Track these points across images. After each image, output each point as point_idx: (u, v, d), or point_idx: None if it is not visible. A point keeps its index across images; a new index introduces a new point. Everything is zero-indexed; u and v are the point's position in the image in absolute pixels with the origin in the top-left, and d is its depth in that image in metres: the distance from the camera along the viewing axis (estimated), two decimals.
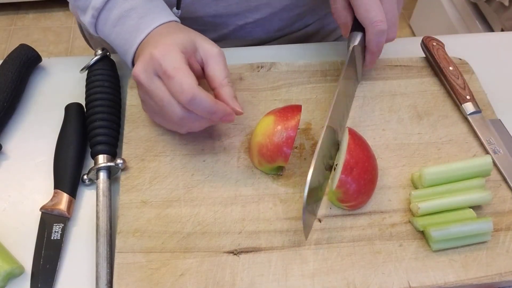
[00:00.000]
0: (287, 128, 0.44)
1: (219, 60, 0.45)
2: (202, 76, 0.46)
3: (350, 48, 0.49)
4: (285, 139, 0.44)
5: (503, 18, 1.39)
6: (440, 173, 0.45)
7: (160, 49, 0.42)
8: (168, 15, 0.48)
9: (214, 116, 0.42)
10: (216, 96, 0.44)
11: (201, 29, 0.49)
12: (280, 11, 0.61)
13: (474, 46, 0.62)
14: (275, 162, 0.45)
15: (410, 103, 0.54)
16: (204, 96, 0.40)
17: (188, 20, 0.54)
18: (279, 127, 0.45)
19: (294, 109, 0.46)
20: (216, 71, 0.44)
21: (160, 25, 0.47)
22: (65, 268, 0.43)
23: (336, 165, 0.45)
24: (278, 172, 0.47)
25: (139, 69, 0.43)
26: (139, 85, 0.44)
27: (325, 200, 0.46)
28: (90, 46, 0.77)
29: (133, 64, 0.49)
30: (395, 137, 0.51)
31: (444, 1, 1.67)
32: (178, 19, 0.49)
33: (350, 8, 0.49)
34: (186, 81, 0.40)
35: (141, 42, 0.47)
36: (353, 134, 0.45)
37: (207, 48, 0.45)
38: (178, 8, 0.55)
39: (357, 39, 0.49)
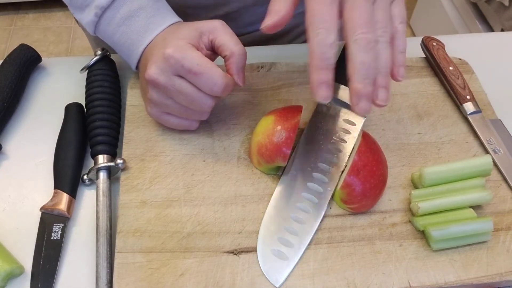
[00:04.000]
0: (287, 128, 0.44)
1: (224, 29, 0.44)
2: (212, 58, 0.46)
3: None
4: (285, 139, 0.44)
5: (503, 18, 1.39)
6: (440, 173, 0.45)
7: (174, 50, 0.41)
8: (174, 15, 0.48)
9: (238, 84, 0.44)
10: (226, 66, 0.45)
11: None
12: (251, 6, 0.61)
13: (474, 46, 0.62)
14: (274, 162, 0.45)
15: (410, 103, 0.54)
16: (231, 80, 0.43)
17: None
18: (278, 127, 0.44)
19: (295, 110, 0.46)
20: (225, 40, 0.44)
21: (168, 26, 0.46)
22: (65, 268, 0.43)
23: (346, 166, 0.45)
24: (277, 172, 0.47)
25: (155, 71, 0.42)
26: (156, 87, 0.43)
27: None
28: (92, 45, 0.77)
29: (137, 66, 0.48)
30: (395, 137, 0.51)
31: (444, 1, 1.67)
32: (181, 19, 0.48)
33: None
34: (215, 74, 0.41)
35: (150, 42, 0.46)
36: (367, 137, 0.45)
37: (209, 25, 0.44)
38: None
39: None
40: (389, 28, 0.37)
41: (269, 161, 0.45)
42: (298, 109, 0.46)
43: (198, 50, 0.43)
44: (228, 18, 0.61)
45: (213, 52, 0.46)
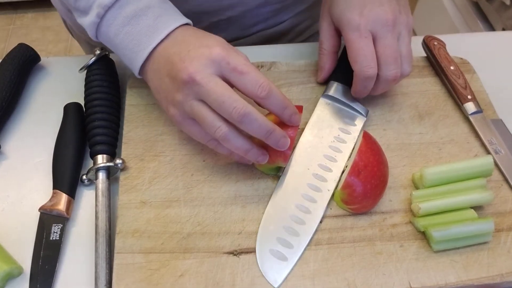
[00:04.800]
0: (287, 128, 0.44)
1: (249, 68, 0.43)
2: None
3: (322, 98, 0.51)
4: None
5: (504, 18, 1.39)
6: (441, 173, 0.45)
7: (220, 48, 0.40)
8: (182, 17, 0.46)
9: (286, 111, 0.42)
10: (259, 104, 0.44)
11: None
12: (254, 8, 0.61)
13: (475, 46, 0.62)
14: (274, 163, 0.45)
15: (411, 103, 0.54)
16: (278, 91, 0.41)
17: None
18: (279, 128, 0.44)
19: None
20: (238, 61, 0.43)
21: (178, 27, 0.44)
22: (64, 269, 0.43)
23: (346, 166, 0.45)
24: (277, 172, 0.47)
25: (194, 69, 0.39)
26: (191, 87, 0.40)
27: None
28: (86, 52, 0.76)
29: (141, 69, 0.45)
30: (396, 137, 0.51)
31: (445, 1, 1.67)
32: (190, 21, 0.46)
33: (334, 55, 0.52)
34: (261, 76, 0.40)
35: (159, 43, 0.43)
36: (367, 138, 0.44)
37: (236, 58, 0.43)
38: None
39: (331, 89, 0.51)
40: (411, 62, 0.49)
41: (269, 161, 0.45)
42: (298, 109, 0.46)
43: None
44: (230, 21, 0.61)
45: None
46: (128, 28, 0.44)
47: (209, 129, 0.40)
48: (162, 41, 0.43)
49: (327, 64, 0.52)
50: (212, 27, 0.62)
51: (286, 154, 0.44)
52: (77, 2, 0.46)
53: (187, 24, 0.45)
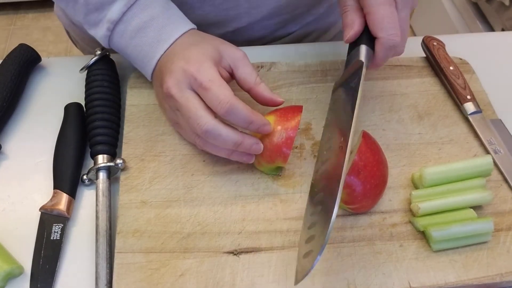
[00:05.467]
0: (287, 128, 0.44)
1: (246, 62, 0.46)
2: (229, 81, 0.46)
3: (357, 65, 0.44)
4: (285, 139, 0.44)
5: (503, 18, 1.39)
6: (441, 173, 0.45)
7: (192, 63, 0.42)
8: (186, 22, 0.48)
9: (252, 126, 0.42)
10: (253, 96, 0.46)
11: None
12: (260, 20, 0.60)
13: (474, 46, 0.62)
14: (274, 163, 0.45)
15: (410, 103, 0.54)
16: (241, 106, 0.41)
17: None
18: (279, 127, 0.44)
19: (295, 110, 0.46)
20: (247, 73, 0.45)
21: (181, 35, 0.47)
22: (64, 269, 0.43)
23: None
24: (277, 172, 0.47)
25: (171, 83, 0.43)
26: (169, 99, 0.44)
27: None
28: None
29: (151, 76, 0.49)
30: (396, 137, 0.51)
31: (444, 1, 1.67)
32: (194, 26, 0.48)
33: (361, 12, 0.45)
34: (223, 92, 0.41)
35: (163, 53, 0.46)
36: (367, 138, 0.44)
37: (232, 53, 0.45)
38: None
39: (363, 52, 0.44)
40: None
41: (269, 161, 0.45)
42: (298, 109, 0.46)
43: (219, 70, 0.44)
44: (236, 33, 0.61)
45: (230, 76, 0.47)
46: (135, 40, 0.47)
47: (187, 137, 0.47)
48: (166, 50, 0.46)
49: (356, 20, 0.45)
50: None
51: (285, 154, 0.44)
52: (87, 16, 0.48)
53: (191, 29, 0.47)
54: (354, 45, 0.46)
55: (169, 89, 0.43)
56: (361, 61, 0.44)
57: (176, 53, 0.45)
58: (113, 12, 0.46)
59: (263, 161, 0.45)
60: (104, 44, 0.49)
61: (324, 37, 0.69)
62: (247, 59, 0.46)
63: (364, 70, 0.43)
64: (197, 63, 0.43)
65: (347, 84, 0.45)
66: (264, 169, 0.47)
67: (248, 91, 0.46)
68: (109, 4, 0.46)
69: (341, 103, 0.45)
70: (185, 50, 0.45)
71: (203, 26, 0.57)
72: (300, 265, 0.36)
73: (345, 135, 0.40)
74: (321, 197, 0.39)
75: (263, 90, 0.45)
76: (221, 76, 0.44)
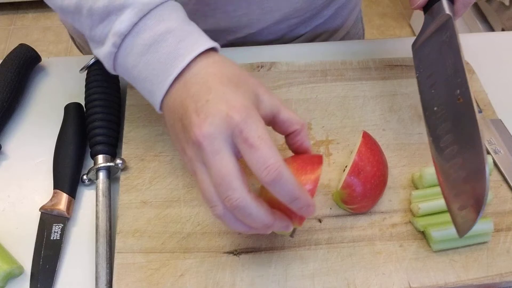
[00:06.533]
0: (305, 184, 0.37)
1: (285, 107, 0.39)
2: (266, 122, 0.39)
3: (444, 18, 0.44)
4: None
5: (503, 18, 1.39)
6: None
7: (238, 110, 0.34)
8: (208, 39, 0.39)
9: (295, 203, 0.35)
10: (295, 142, 0.40)
11: None
12: (271, 25, 0.60)
13: (474, 46, 0.62)
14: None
15: (410, 103, 0.54)
16: (290, 177, 0.34)
17: None
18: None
19: (315, 161, 0.39)
20: (291, 115, 0.39)
21: (203, 52, 0.38)
22: (64, 269, 0.43)
23: (346, 166, 0.45)
24: (290, 233, 0.42)
25: (205, 131, 0.33)
26: (197, 148, 0.34)
27: (326, 200, 0.46)
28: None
29: (162, 102, 0.39)
30: (396, 137, 0.51)
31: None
32: (217, 45, 0.39)
33: None
34: (273, 156, 0.33)
35: (181, 73, 0.37)
36: (367, 138, 0.44)
37: (270, 99, 0.38)
38: None
39: (446, 7, 0.45)
40: None
41: None
42: (318, 160, 0.39)
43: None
44: (247, 38, 0.61)
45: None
46: (147, 57, 0.38)
47: (207, 202, 0.35)
48: (184, 70, 0.37)
49: None
50: (228, 45, 0.61)
51: (301, 217, 0.38)
52: (92, 31, 0.40)
53: (213, 48, 0.39)
54: (430, 4, 0.46)
55: (200, 138, 0.33)
56: (448, 14, 0.44)
57: (206, 81, 0.36)
58: (122, 23, 0.38)
59: None
60: (108, 65, 0.40)
61: (332, 39, 0.69)
62: (283, 104, 0.39)
63: (454, 22, 0.43)
64: (246, 111, 0.34)
65: (437, 39, 0.44)
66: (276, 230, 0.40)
67: (292, 134, 0.39)
68: (117, 14, 0.38)
69: (437, 58, 0.44)
70: (224, 86, 0.35)
71: (215, 33, 0.56)
72: (459, 216, 0.38)
73: (461, 87, 0.40)
74: (456, 150, 0.39)
75: (305, 136, 0.39)
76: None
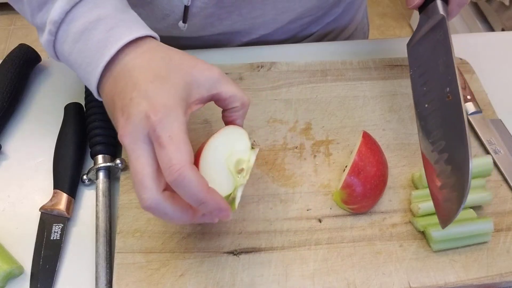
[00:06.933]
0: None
1: (225, 79, 0.38)
2: (207, 102, 0.39)
3: (437, 18, 0.45)
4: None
5: (503, 18, 1.39)
6: None
7: (157, 110, 0.34)
8: (143, 27, 0.39)
9: (203, 207, 0.34)
10: (231, 116, 0.40)
11: (204, 47, 0.45)
12: (285, 25, 0.61)
13: (474, 46, 0.62)
14: None
15: (410, 103, 0.54)
16: (195, 178, 0.33)
17: (192, 40, 0.52)
18: None
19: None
20: (233, 91, 0.38)
21: (135, 40, 0.37)
22: (64, 268, 0.43)
23: (346, 166, 0.45)
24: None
25: (127, 131, 0.34)
26: (123, 145, 0.35)
27: (326, 200, 0.46)
28: None
29: (98, 90, 0.39)
30: (396, 137, 0.51)
31: None
32: (155, 34, 0.39)
33: None
34: (178, 156, 0.33)
35: (112, 61, 0.37)
36: (367, 138, 0.44)
37: (207, 77, 0.37)
38: (184, 22, 0.53)
39: (440, 7, 0.46)
40: None
41: None
42: None
43: (187, 110, 0.36)
44: (261, 39, 0.61)
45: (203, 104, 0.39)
46: (79, 45, 0.38)
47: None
48: (114, 59, 0.37)
49: None
50: (242, 46, 0.61)
51: None
52: (34, 19, 0.41)
53: (148, 37, 0.38)
54: (425, 4, 0.47)
55: (123, 137, 0.34)
56: (441, 15, 0.45)
57: (133, 75, 0.36)
58: (55, 10, 0.38)
59: None
60: (50, 53, 0.41)
61: (341, 36, 0.70)
62: (224, 76, 0.38)
63: (448, 22, 0.45)
64: (164, 110, 0.34)
65: (431, 38, 0.46)
66: None
67: (234, 109, 0.39)
68: (52, 2, 0.39)
69: (430, 57, 0.45)
70: (148, 83, 0.35)
71: (230, 35, 0.57)
72: (443, 209, 0.39)
73: (450, 85, 0.41)
74: (443, 145, 0.40)
75: (244, 113, 0.40)
76: (196, 106, 0.37)
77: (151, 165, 0.34)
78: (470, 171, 0.37)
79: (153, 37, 0.39)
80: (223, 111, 0.41)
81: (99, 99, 0.40)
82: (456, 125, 0.39)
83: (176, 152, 0.33)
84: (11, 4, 0.44)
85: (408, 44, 0.50)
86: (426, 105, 0.44)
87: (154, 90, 0.35)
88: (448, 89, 0.42)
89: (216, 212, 0.34)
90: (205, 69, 0.38)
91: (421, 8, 0.48)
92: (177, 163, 0.33)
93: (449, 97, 0.41)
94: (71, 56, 0.39)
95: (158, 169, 0.34)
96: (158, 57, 0.37)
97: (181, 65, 0.37)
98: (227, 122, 0.41)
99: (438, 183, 0.40)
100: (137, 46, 0.37)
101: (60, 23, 0.39)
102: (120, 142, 0.35)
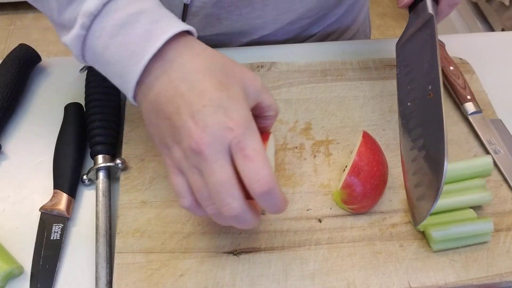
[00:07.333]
0: None
1: (266, 89, 0.39)
2: None
3: (426, 17, 0.45)
4: None
5: (503, 18, 1.39)
6: None
7: (237, 121, 0.33)
8: (182, 23, 0.37)
9: (275, 212, 0.36)
10: (264, 124, 0.40)
11: None
12: (285, 25, 0.60)
13: (474, 46, 0.62)
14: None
15: None
16: (279, 192, 0.35)
17: None
18: None
19: (264, 138, 0.38)
20: (270, 100, 0.39)
21: (179, 36, 0.36)
22: (64, 269, 0.43)
23: (346, 166, 0.45)
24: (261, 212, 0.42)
25: (206, 140, 0.33)
26: (194, 155, 0.34)
27: (326, 200, 0.46)
28: None
29: (136, 92, 0.37)
30: (396, 137, 0.51)
31: None
32: (193, 29, 0.38)
33: None
34: (266, 170, 0.34)
35: (158, 57, 0.35)
36: (367, 138, 0.44)
37: (255, 88, 0.37)
38: (184, 20, 0.53)
39: (429, 6, 0.46)
40: None
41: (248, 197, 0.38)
42: (266, 137, 0.40)
43: None
44: (261, 40, 0.61)
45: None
46: (118, 38, 0.36)
47: (201, 202, 0.36)
48: (160, 55, 0.35)
49: None
50: (242, 47, 0.61)
51: None
52: (61, 15, 0.38)
53: (189, 32, 0.37)
54: (415, 4, 0.48)
55: (201, 148, 0.33)
56: (430, 13, 0.45)
57: (199, 83, 0.34)
58: (90, 2, 0.35)
59: None
60: (76, 50, 0.38)
61: (343, 37, 0.70)
62: (265, 85, 0.39)
63: (435, 21, 0.45)
64: (244, 124, 0.34)
65: (418, 38, 0.46)
66: None
67: (267, 118, 0.40)
68: None
69: (416, 56, 0.46)
70: (217, 91, 0.34)
71: (229, 35, 0.57)
72: (416, 207, 0.40)
73: (433, 83, 0.42)
74: (421, 143, 0.41)
75: (274, 121, 0.41)
76: None
77: (234, 176, 0.34)
78: (444, 171, 0.37)
79: (192, 33, 0.38)
80: (256, 118, 0.40)
81: (133, 101, 0.38)
82: (435, 122, 0.40)
83: (264, 166, 0.34)
84: (32, 3, 0.42)
85: (397, 44, 0.50)
86: (409, 104, 0.44)
87: (226, 98, 0.34)
88: (430, 86, 0.42)
89: (279, 212, 0.37)
90: (252, 78, 0.37)
91: (411, 8, 0.48)
92: (267, 176, 0.34)
93: (430, 94, 0.42)
94: (106, 51, 0.36)
95: (238, 180, 0.34)
96: (213, 62, 0.36)
97: (234, 72, 0.36)
98: (259, 129, 0.40)
99: (415, 181, 0.40)
100: (185, 45, 0.36)
101: (95, 16, 0.36)
102: (196, 151, 0.33)
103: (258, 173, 0.33)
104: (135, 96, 0.37)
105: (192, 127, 0.33)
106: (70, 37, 0.37)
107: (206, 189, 0.34)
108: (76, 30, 0.36)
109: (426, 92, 0.42)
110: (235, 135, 0.33)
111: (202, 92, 0.34)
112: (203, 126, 0.33)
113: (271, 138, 0.41)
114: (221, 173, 0.34)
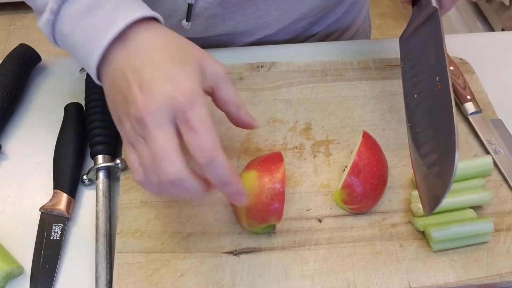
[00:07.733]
0: (274, 182, 0.39)
1: (228, 79, 0.39)
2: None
3: (430, 11, 0.45)
4: (275, 195, 0.39)
5: (503, 18, 1.39)
6: None
7: (184, 93, 0.34)
8: (148, 9, 0.38)
9: (227, 188, 0.35)
10: (233, 118, 0.41)
11: (207, 47, 0.45)
12: (288, 25, 0.61)
13: (474, 46, 0.62)
14: (267, 221, 0.41)
15: None
16: (225, 162, 0.34)
17: (195, 40, 0.51)
18: (265, 184, 0.40)
19: (276, 159, 0.41)
20: (229, 93, 0.39)
21: (142, 21, 0.36)
22: (64, 269, 0.43)
23: (346, 166, 0.45)
24: (271, 230, 0.43)
25: (149, 109, 0.33)
26: (138, 123, 0.34)
27: (326, 200, 0.46)
28: None
29: (98, 70, 0.38)
30: (396, 137, 0.51)
31: None
32: (159, 16, 0.38)
33: None
34: (210, 140, 0.34)
35: (120, 39, 0.36)
36: (367, 138, 0.44)
37: (214, 70, 0.38)
38: (188, 21, 0.53)
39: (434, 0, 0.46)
40: None
41: (261, 221, 0.41)
42: (279, 158, 0.41)
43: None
44: (263, 40, 0.61)
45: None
46: (83, 22, 0.37)
47: (146, 172, 0.35)
48: (122, 37, 0.36)
49: None
50: (245, 46, 0.61)
51: (279, 211, 0.40)
52: (36, 1, 0.40)
53: (155, 20, 0.38)
54: None
55: (144, 115, 0.33)
56: (434, 7, 0.45)
57: (151, 56, 0.35)
58: None
59: (254, 222, 0.41)
60: (47, 34, 0.39)
61: (344, 37, 0.70)
62: (228, 76, 0.39)
63: (440, 14, 0.45)
64: (191, 94, 0.34)
65: (422, 31, 0.46)
66: (256, 229, 0.43)
67: (228, 113, 0.40)
68: None
69: (422, 49, 0.46)
70: (169, 64, 0.35)
71: (233, 35, 0.56)
72: (426, 197, 0.39)
73: (440, 74, 0.42)
74: (430, 134, 0.41)
75: (245, 114, 0.40)
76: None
77: (176, 143, 0.34)
78: (456, 161, 0.36)
79: (158, 20, 0.39)
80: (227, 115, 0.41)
81: (98, 82, 0.39)
82: (445, 113, 0.40)
83: (209, 136, 0.34)
84: None
85: (400, 39, 0.50)
86: (416, 96, 0.44)
87: (177, 72, 0.35)
88: (437, 78, 0.42)
89: (236, 195, 0.36)
90: (213, 63, 0.38)
91: (414, 2, 0.48)
92: (210, 146, 0.34)
93: (438, 85, 0.41)
94: (73, 34, 0.38)
95: (180, 148, 0.34)
96: (172, 42, 0.37)
97: (194, 52, 0.37)
98: (234, 122, 0.41)
99: (424, 172, 0.40)
100: (147, 28, 0.37)
101: (63, 1, 0.37)
102: (139, 119, 0.34)
103: (201, 143, 0.34)
104: (99, 77, 0.38)
105: (138, 97, 0.34)
106: (42, 21, 0.38)
107: (150, 157, 0.35)
108: (46, 15, 0.38)
109: (434, 83, 0.42)
110: (180, 105, 0.33)
111: (153, 66, 0.35)
112: (149, 95, 0.34)
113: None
114: (162, 139, 0.34)
